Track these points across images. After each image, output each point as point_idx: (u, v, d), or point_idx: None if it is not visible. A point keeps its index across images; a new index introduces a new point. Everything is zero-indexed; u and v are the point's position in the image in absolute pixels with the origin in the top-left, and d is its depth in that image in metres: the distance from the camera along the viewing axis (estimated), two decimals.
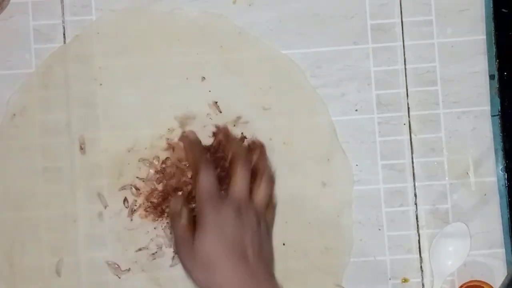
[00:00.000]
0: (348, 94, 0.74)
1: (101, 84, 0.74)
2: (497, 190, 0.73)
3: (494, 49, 0.72)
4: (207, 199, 0.66)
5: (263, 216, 0.68)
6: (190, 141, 0.72)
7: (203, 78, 0.74)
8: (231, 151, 0.70)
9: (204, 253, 0.64)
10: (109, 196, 0.74)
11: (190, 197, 0.70)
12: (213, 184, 0.67)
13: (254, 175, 0.69)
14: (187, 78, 0.74)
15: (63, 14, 0.75)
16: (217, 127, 0.73)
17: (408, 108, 0.74)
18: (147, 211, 0.74)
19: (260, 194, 0.68)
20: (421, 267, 0.74)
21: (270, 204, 0.70)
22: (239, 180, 0.67)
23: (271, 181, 0.70)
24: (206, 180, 0.67)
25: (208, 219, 0.65)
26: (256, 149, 0.72)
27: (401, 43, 0.74)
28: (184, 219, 0.67)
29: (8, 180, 0.74)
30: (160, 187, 0.73)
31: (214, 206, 0.65)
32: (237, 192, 0.67)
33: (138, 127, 0.74)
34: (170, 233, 0.72)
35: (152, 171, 0.73)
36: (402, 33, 0.74)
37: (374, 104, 0.74)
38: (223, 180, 0.68)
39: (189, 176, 0.72)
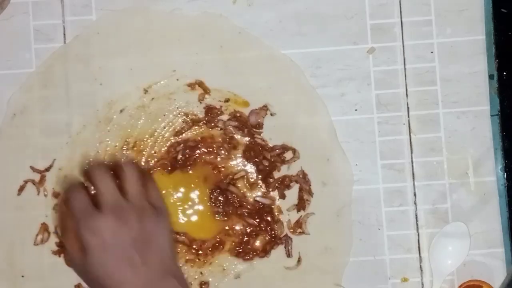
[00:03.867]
0: (348, 94, 0.74)
1: (101, 84, 0.74)
2: (496, 189, 0.73)
3: (494, 49, 0.72)
4: (81, 219, 0.64)
5: (144, 202, 0.66)
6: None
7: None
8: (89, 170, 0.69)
9: (93, 276, 0.63)
10: None
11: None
12: (84, 201, 0.65)
13: (116, 175, 0.67)
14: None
15: (63, 14, 0.75)
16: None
17: (408, 108, 0.74)
18: None
19: (128, 183, 0.66)
20: (420, 266, 0.74)
21: (145, 182, 0.68)
22: (104, 188, 0.65)
23: (132, 169, 0.67)
24: (75, 199, 0.65)
25: (88, 241, 0.63)
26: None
27: (401, 43, 0.74)
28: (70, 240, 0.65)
29: (8, 180, 0.74)
30: None
31: (90, 227, 0.63)
32: (107, 201, 0.64)
33: None
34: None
35: None
36: (402, 33, 0.74)
37: (373, 104, 0.74)
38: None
39: None
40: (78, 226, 0.64)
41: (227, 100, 0.74)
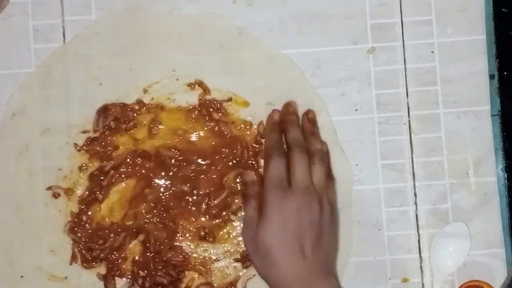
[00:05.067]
0: (348, 94, 0.74)
1: (100, 84, 0.74)
2: (497, 190, 0.73)
3: (494, 49, 0.72)
4: (275, 188, 0.67)
5: (326, 197, 0.68)
6: (271, 123, 0.72)
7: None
8: (288, 135, 0.71)
9: (264, 242, 0.65)
10: None
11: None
12: (283, 173, 0.68)
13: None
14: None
15: (62, 13, 0.75)
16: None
17: (408, 108, 0.74)
18: None
19: (316, 174, 0.68)
20: (421, 267, 0.73)
21: (329, 180, 0.70)
22: (300, 169, 0.68)
23: (324, 157, 0.70)
24: (276, 168, 0.68)
25: (273, 209, 0.66)
26: (304, 125, 0.72)
27: (401, 42, 0.74)
28: (255, 201, 0.69)
29: (8, 179, 0.74)
30: None
31: (280, 196, 0.66)
32: (299, 182, 0.67)
33: None
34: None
35: None
36: (402, 32, 0.74)
37: (374, 104, 0.74)
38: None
39: None
40: (267, 191, 0.67)
41: (229, 99, 0.74)
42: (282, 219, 0.66)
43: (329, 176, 0.71)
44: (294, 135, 0.70)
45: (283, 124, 0.72)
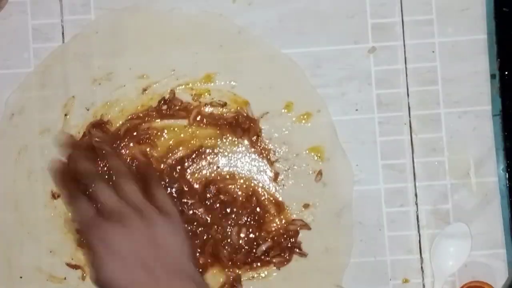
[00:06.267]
0: (349, 94, 0.74)
1: (100, 84, 0.74)
2: (498, 190, 0.73)
3: (495, 49, 0.72)
4: (87, 228, 0.65)
5: (150, 213, 0.65)
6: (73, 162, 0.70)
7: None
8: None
9: (106, 282, 0.63)
10: None
11: None
12: (87, 210, 0.65)
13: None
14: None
15: (61, 13, 0.75)
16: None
17: (409, 107, 0.74)
18: None
19: (127, 197, 0.66)
20: (421, 267, 0.73)
21: (154, 195, 0.67)
22: (103, 194, 0.65)
23: (125, 175, 0.68)
24: (80, 209, 0.66)
25: (96, 248, 0.63)
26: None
27: (402, 42, 0.74)
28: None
29: (7, 180, 0.74)
30: None
31: (96, 234, 0.64)
32: (109, 209, 0.65)
33: None
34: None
35: None
36: (403, 32, 0.74)
37: (374, 103, 0.74)
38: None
39: None
40: (86, 235, 0.65)
41: (224, 104, 0.74)
42: (111, 255, 0.63)
43: (147, 182, 0.69)
44: (89, 177, 0.68)
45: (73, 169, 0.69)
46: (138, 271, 0.62)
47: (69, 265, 0.73)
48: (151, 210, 0.66)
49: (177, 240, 0.65)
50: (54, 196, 0.73)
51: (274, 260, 0.72)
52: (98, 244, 0.63)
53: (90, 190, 0.67)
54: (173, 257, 0.64)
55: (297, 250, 0.72)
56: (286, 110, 0.74)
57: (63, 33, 0.75)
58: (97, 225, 0.64)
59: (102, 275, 0.63)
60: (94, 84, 0.74)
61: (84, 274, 0.73)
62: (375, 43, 0.74)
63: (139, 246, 0.63)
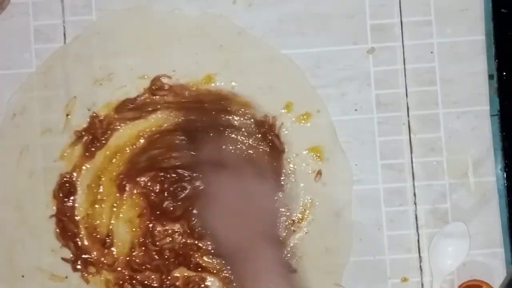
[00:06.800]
0: (348, 94, 0.74)
1: (101, 84, 0.74)
2: (496, 190, 0.73)
3: (493, 49, 0.72)
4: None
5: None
6: None
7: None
8: None
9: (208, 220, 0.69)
10: None
11: None
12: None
13: None
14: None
15: (63, 14, 0.75)
16: None
17: (408, 108, 0.74)
18: None
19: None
20: (420, 266, 0.74)
21: None
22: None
23: None
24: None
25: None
26: None
27: (401, 43, 0.74)
28: None
29: (9, 179, 0.74)
30: None
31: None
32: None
33: None
34: None
35: None
36: (402, 33, 0.74)
37: (373, 104, 0.74)
38: None
39: None
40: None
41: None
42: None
43: None
44: None
45: None
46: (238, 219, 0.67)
47: (64, 259, 0.73)
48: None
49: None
50: (55, 195, 0.74)
51: None
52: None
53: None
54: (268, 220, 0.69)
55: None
56: (285, 110, 0.74)
57: (64, 34, 0.75)
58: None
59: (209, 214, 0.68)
60: (95, 85, 0.74)
61: (85, 274, 0.73)
62: (374, 43, 0.74)
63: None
